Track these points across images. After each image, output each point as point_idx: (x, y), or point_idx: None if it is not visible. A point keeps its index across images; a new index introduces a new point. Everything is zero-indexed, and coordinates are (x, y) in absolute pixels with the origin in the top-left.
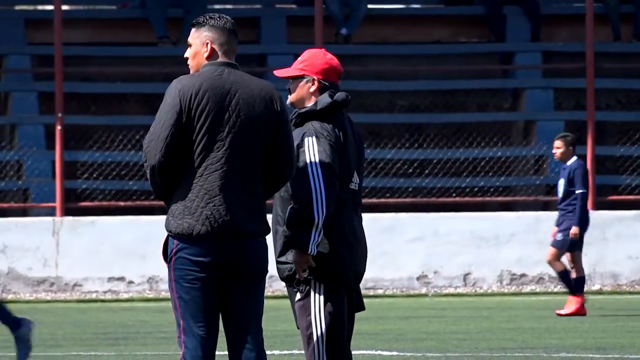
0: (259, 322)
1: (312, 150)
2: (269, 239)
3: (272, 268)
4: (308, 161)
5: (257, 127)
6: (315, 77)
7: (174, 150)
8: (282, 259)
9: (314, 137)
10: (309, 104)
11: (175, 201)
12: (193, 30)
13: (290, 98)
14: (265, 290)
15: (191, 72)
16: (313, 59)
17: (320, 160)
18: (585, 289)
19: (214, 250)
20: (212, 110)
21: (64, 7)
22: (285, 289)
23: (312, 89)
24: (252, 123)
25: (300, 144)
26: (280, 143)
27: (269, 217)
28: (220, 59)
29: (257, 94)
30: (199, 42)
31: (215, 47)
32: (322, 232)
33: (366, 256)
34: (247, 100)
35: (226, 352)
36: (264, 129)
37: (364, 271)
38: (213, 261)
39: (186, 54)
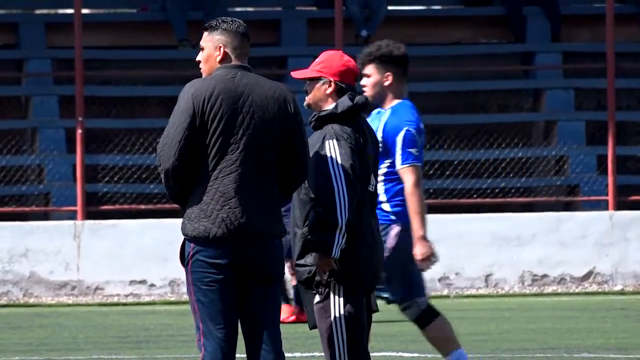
0: (277, 324)
1: (333, 153)
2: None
3: None
4: (330, 164)
5: (271, 128)
6: (331, 79)
7: (188, 153)
8: (301, 261)
9: (334, 140)
10: (326, 105)
11: (191, 205)
12: (206, 33)
13: (307, 99)
14: None
15: (203, 75)
16: (330, 61)
17: (342, 163)
18: (608, 289)
19: (231, 252)
20: (225, 113)
21: (84, 11)
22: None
23: (329, 90)
24: (265, 125)
25: (321, 147)
26: (295, 144)
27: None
28: (233, 62)
29: (270, 95)
30: (212, 46)
31: (228, 50)
32: (346, 235)
33: (383, 257)
34: (260, 103)
35: (245, 355)
36: (278, 131)
37: (382, 272)
38: (229, 263)
39: (198, 57)
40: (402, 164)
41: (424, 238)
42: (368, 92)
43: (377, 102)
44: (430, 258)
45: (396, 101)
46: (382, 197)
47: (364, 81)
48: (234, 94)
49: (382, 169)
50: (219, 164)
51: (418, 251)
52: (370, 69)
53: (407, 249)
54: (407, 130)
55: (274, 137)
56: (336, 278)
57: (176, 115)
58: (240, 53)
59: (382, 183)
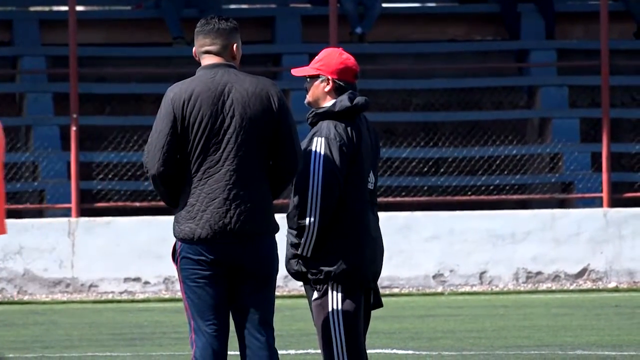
0: (270, 321)
1: (318, 153)
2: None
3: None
4: (311, 166)
5: (254, 125)
6: (329, 77)
7: (173, 158)
8: (293, 261)
9: (323, 139)
10: (324, 103)
11: (180, 207)
12: None
13: (307, 98)
14: (281, 290)
15: None
16: (329, 59)
17: (324, 166)
18: (602, 286)
19: (215, 250)
20: (205, 114)
21: (79, 8)
22: (302, 288)
23: (327, 88)
24: (248, 122)
25: (309, 144)
26: (281, 138)
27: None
28: (208, 61)
29: (251, 91)
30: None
31: (198, 52)
32: (315, 237)
33: (383, 255)
34: (240, 100)
35: (238, 352)
36: (262, 127)
37: (381, 270)
38: (215, 259)
39: None
40: None
41: None
42: None
43: None
44: None
45: None
46: None
47: None
48: (213, 94)
49: None
50: (202, 165)
51: None
52: None
53: None
54: None
55: (258, 134)
56: (335, 275)
57: (158, 121)
58: (215, 51)
59: None
